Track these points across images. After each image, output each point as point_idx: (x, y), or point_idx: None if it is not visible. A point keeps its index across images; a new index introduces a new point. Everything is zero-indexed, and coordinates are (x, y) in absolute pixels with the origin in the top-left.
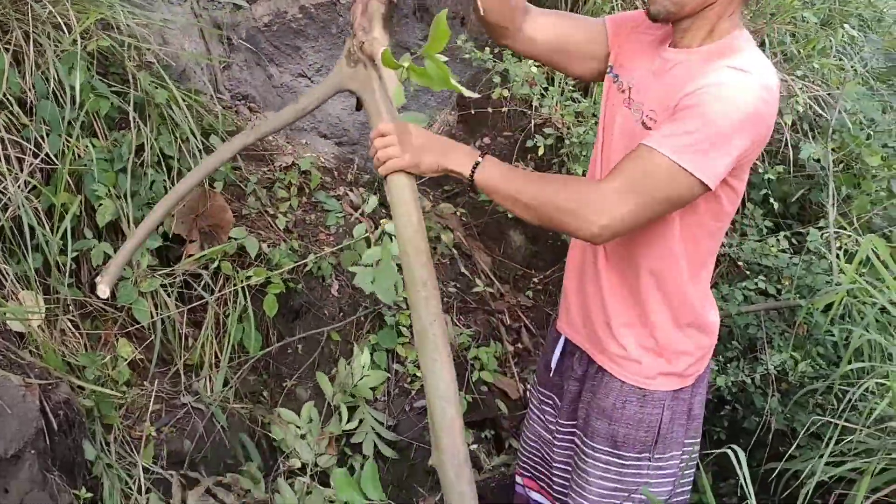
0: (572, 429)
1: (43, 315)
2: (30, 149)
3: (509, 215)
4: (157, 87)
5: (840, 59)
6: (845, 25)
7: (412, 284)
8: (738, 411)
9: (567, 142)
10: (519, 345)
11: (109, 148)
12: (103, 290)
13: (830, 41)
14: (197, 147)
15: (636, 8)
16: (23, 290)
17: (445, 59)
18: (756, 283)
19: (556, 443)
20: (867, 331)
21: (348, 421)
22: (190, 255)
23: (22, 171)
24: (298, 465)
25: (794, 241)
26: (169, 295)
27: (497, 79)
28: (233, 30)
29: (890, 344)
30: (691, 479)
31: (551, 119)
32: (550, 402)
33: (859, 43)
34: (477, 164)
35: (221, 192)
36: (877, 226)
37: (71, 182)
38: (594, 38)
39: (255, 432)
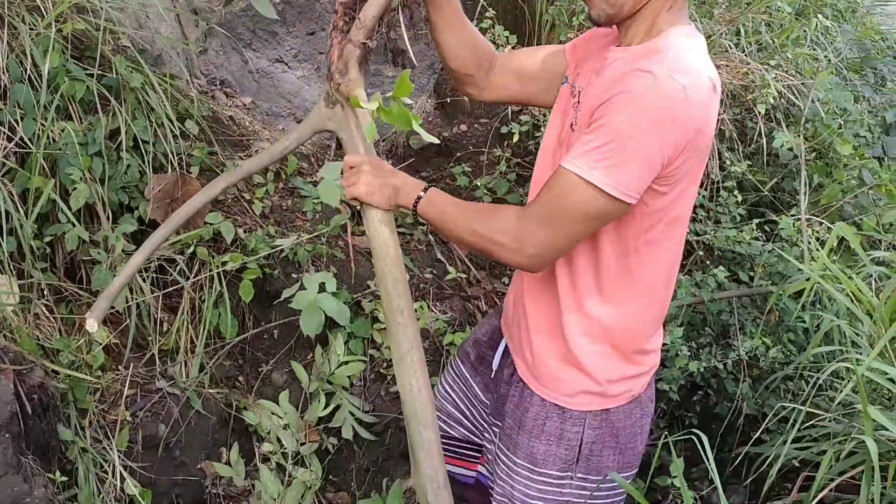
0: (497, 430)
1: (17, 299)
2: (3, 132)
3: (485, 200)
4: (132, 72)
5: (814, 49)
6: (819, 15)
7: (390, 313)
8: (710, 396)
9: (542, 130)
10: None
11: (84, 132)
12: (91, 325)
13: (804, 31)
14: (172, 132)
15: None
16: None
17: (410, 102)
18: (729, 270)
19: (483, 423)
20: (836, 317)
21: (325, 406)
22: (165, 240)
23: None
24: (270, 448)
25: (766, 228)
26: (144, 280)
27: None
28: (209, 14)
29: (855, 330)
30: None
31: (527, 106)
32: (470, 388)
33: (833, 33)
34: (419, 197)
35: (197, 177)
36: (848, 214)
37: (45, 166)
38: (556, 65)
39: (230, 417)
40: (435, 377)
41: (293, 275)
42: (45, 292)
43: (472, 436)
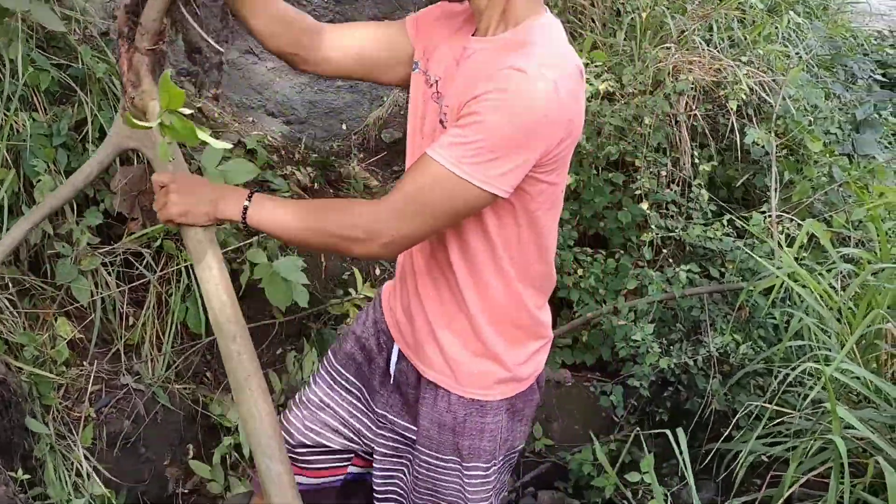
0: (412, 434)
1: None
2: None
3: None
4: (98, 61)
5: (785, 46)
6: (791, 12)
7: (222, 340)
8: (680, 393)
9: None
10: None
11: (49, 123)
12: None
13: (776, 28)
14: None
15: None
16: None
17: (189, 112)
18: (701, 266)
19: (372, 431)
20: (806, 314)
21: None
22: (132, 233)
23: None
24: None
25: (737, 224)
26: (110, 273)
27: None
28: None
29: (822, 327)
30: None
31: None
32: (356, 390)
33: (804, 30)
34: (246, 207)
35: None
36: (817, 210)
37: (8, 157)
38: (396, 43)
39: (198, 413)
40: None
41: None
42: (9, 285)
43: (352, 444)
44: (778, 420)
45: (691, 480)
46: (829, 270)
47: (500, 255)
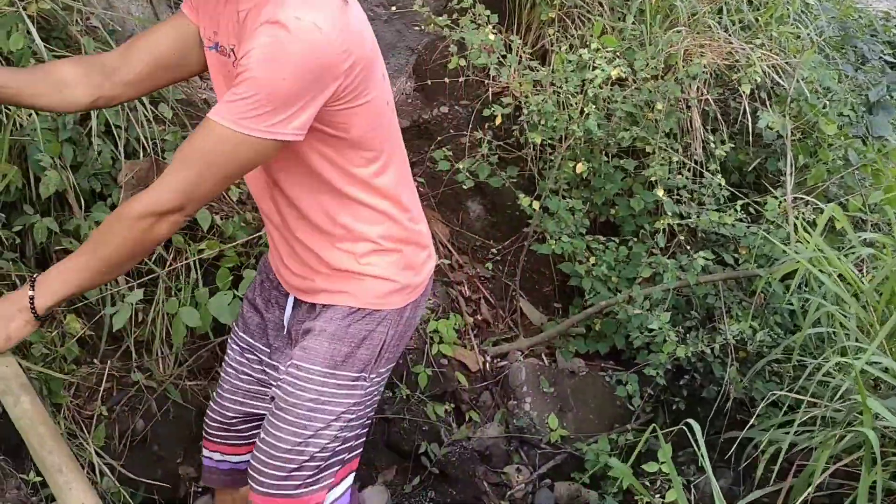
0: (282, 355)
1: None
2: None
3: (465, 185)
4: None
5: (796, 27)
6: None
7: (49, 475)
8: (696, 380)
9: (525, 111)
10: (478, 316)
11: (53, 117)
12: None
13: (787, 9)
14: (145, 116)
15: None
16: None
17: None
18: (714, 252)
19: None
20: (825, 300)
21: None
22: None
23: None
24: None
25: (751, 210)
26: None
27: (454, 48)
28: None
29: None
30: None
31: (509, 88)
32: (259, 352)
33: (814, 11)
34: (31, 299)
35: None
36: (832, 194)
37: (12, 153)
38: (183, 33)
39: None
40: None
41: None
42: (17, 283)
43: (250, 409)
44: (799, 409)
45: (710, 472)
46: (846, 255)
47: (338, 181)
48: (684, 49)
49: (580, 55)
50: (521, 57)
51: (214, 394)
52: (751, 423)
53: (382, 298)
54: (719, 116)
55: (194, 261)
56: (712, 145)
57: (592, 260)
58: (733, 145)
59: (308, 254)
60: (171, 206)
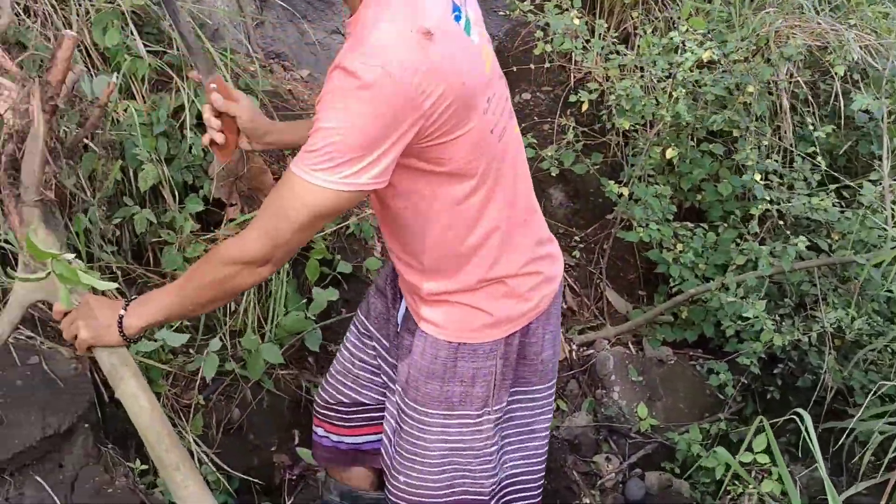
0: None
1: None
2: None
3: (552, 172)
4: None
5: (886, 6)
6: None
7: (165, 471)
8: (789, 369)
9: (612, 96)
10: (563, 304)
11: (148, 111)
12: None
13: None
14: None
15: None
16: None
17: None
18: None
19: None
20: None
21: None
22: (231, 220)
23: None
24: None
25: (844, 194)
26: None
27: (539, 33)
28: None
29: None
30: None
31: (592, 73)
32: (378, 343)
33: None
34: (121, 323)
35: (260, 154)
36: None
37: (110, 147)
38: None
39: (302, 399)
40: None
41: (356, 249)
42: (117, 275)
43: (383, 397)
44: None
45: (821, 463)
46: None
47: (421, 223)
48: (775, 30)
49: (670, 38)
50: (606, 42)
51: (327, 373)
52: (859, 414)
53: (476, 332)
54: (810, 98)
55: None
56: (809, 128)
57: (679, 247)
58: (833, 128)
59: (409, 276)
60: (255, 256)
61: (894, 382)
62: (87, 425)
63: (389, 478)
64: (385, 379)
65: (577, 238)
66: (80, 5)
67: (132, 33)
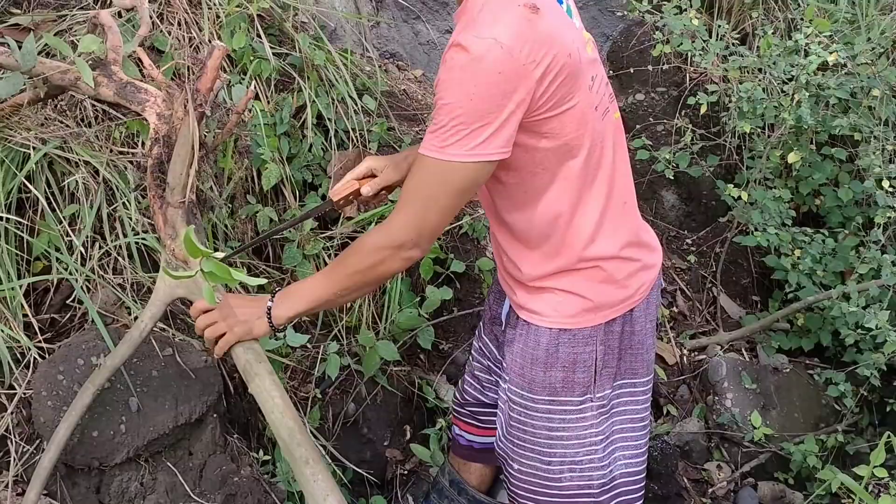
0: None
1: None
2: None
3: (668, 176)
4: (315, 49)
5: None
6: None
7: (296, 465)
8: None
9: (733, 98)
10: (674, 308)
11: (271, 112)
12: None
13: None
14: (354, 108)
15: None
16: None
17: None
18: None
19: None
20: None
21: None
22: (349, 218)
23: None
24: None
25: None
26: (330, 258)
27: (659, 35)
28: None
29: None
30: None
31: (709, 74)
32: (490, 343)
33: None
34: (269, 314)
35: (376, 154)
36: None
37: (236, 147)
38: None
39: (414, 395)
40: None
41: (469, 248)
42: (242, 271)
43: (481, 397)
44: None
45: None
46: None
47: (534, 201)
48: None
49: (796, 40)
50: (727, 43)
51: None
52: None
53: (574, 318)
54: None
55: None
56: None
57: (797, 253)
58: None
59: (509, 264)
60: (403, 240)
61: None
62: (215, 415)
63: (506, 468)
64: (497, 378)
65: (689, 241)
66: (210, 8)
67: (259, 35)
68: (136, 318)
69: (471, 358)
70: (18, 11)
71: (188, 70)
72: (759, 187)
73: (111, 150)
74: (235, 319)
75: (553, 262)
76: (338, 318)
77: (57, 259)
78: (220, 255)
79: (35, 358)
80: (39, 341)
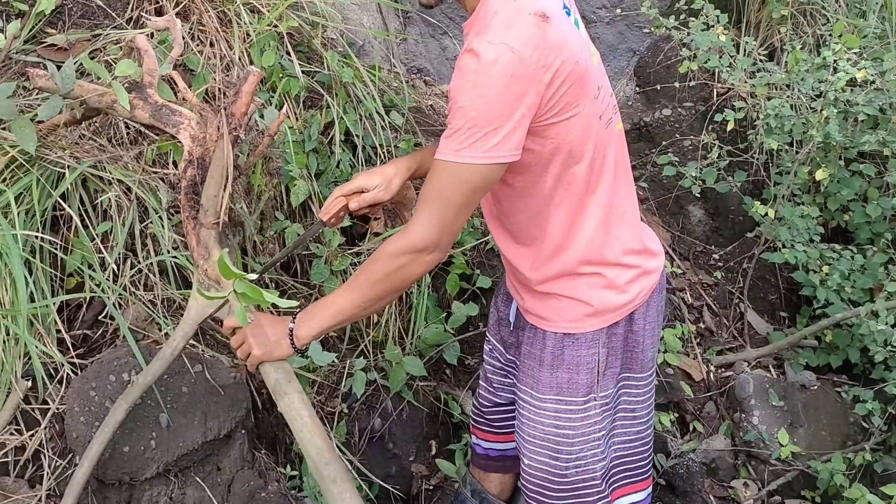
0: (520, 374)
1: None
2: None
3: (695, 192)
4: (343, 66)
5: None
6: None
7: (324, 483)
8: None
9: (760, 115)
10: (701, 324)
11: (300, 129)
12: None
13: None
14: (381, 124)
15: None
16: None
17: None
18: None
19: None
20: None
21: None
22: (376, 234)
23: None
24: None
25: None
26: None
27: (685, 52)
28: (408, 3)
29: None
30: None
31: (735, 90)
32: (500, 345)
33: None
34: (291, 335)
35: None
36: None
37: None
38: None
39: (439, 410)
40: None
41: (495, 264)
42: (269, 286)
43: (496, 398)
44: None
45: None
46: None
47: (540, 207)
48: None
49: (824, 57)
50: (754, 59)
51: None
52: None
53: (577, 322)
54: None
55: None
56: None
57: (826, 269)
58: None
59: (514, 270)
60: (424, 243)
61: None
62: (243, 431)
63: (521, 461)
64: (507, 377)
65: (716, 256)
66: (240, 26)
67: (288, 53)
68: (166, 334)
69: (483, 362)
70: (53, 31)
71: (219, 91)
72: (787, 203)
73: (143, 170)
74: (260, 339)
75: (553, 266)
76: (364, 333)
77: (90, 276)
78: (252, 276)
79: (68, 374)
80: (72, 357)
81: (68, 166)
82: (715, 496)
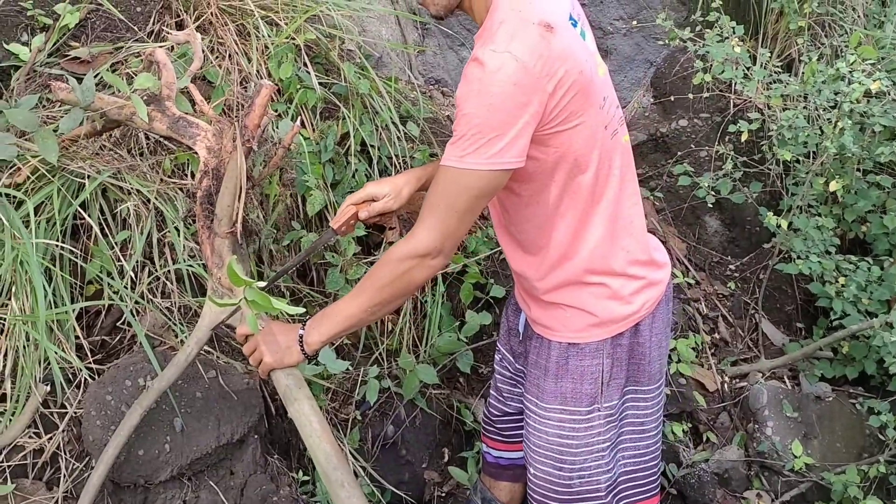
0: (526, 384)
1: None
2: None
3: (709, 203)
4: (360, 78)
5: None
6: None
7: (332, 488)
8: None
9: (774, 125)
10: (716, 335)
11: (316, 140)
12: None
13: None
14: (396, 134)
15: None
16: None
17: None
18: None
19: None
20: None
21: None
22: (390, 243)
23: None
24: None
25: None
26: None
27: (699, 63)
28: (426, 15)
29: None
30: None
31: (751, 101)
32: (509, 354)
33: None
34: (301, 342)
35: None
36: None
37: (281, 175)
38: None
39: (452, 418)
40: None
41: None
42: (285, 294)
43: (505, 408)
44: None
45: None
46: None
47: (544, 214)
48: None
49: (838, 68)
50: (770, 71)
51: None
52: None
53: (581, 332)
54: None
55: (441, 274)
56: None
57: (842, 280)
58: None
59: (522, 280)
60: (428, 248)
61: None
62: (256, 436)
63: (527, 470)
64: (516, 387)
65: (731, 267)
66: (258, 39)
67: (305, 65)
68: (181, 340)
69: (496, 370)
70: (77, 44)
71: (236, 103)
72: (803, 214)
73: (161, 180)
74: (271, 347)
75: (559, 275)
76: (379, 341)
77: (108, 283)
78: (261, 284)
79: (86, 378)
80: (90, 362)
81: (88, 176)
82: None
